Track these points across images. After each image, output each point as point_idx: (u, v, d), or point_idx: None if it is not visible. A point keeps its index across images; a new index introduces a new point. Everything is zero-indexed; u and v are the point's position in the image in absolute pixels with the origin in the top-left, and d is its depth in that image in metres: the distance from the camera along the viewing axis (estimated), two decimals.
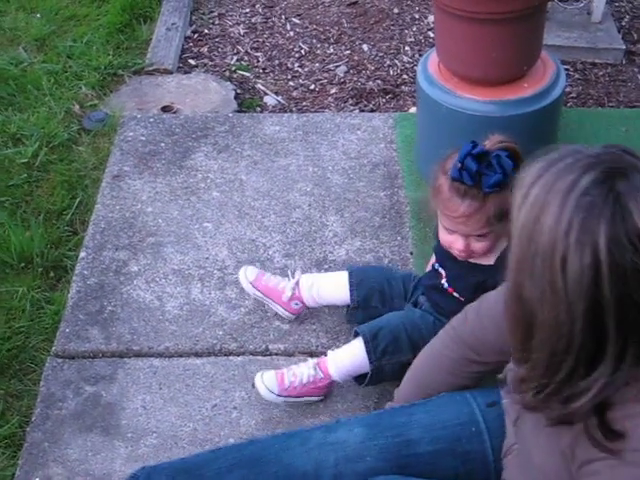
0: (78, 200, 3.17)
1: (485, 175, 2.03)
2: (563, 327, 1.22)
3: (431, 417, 1.91)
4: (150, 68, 3.87)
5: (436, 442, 1.86)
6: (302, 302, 2.58)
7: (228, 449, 1.95)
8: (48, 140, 3.44)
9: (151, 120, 3.49)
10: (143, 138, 3.39)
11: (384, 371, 2.32)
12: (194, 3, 4.42)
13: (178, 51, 4.04)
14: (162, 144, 3.36)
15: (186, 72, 3.94)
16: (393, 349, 2.30)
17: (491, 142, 2.10)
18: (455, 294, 2.29)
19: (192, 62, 4.01)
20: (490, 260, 2.20)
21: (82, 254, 2.92)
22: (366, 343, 2.31)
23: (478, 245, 2.15)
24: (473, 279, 2.22)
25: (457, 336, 2.03)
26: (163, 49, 3.99)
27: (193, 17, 4.35)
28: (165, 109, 3.63)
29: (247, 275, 2.61)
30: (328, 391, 2.43)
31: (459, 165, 2.05)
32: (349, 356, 2.35)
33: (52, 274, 2.93)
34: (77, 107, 3.63)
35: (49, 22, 4.23)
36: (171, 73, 3.88)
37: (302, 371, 2.37)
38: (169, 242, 2.95)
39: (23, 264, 2.94)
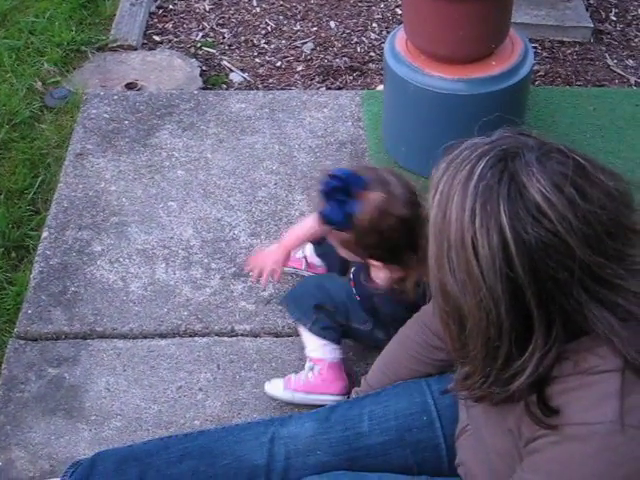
0: (40, 179, 3.11)
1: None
2: (490, 313, 1.23)
3: (383, 408, 1.91)
4: (114, 44, 3.81)
5: (386, 433, 1.86)
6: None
7: (179, 439, 1.94)
8: (9, 118, 3.37)
9: (115, 97, 3.44)
10: (107, 116, 3.34)
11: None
12: None
13: (142, 27, 3.97)
14: (126, 122, 3.31)
15: (151, 49, 3.88)
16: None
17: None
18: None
19: (157, 38, 3.95)
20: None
21: (44, 234, 2.87)
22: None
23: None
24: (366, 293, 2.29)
25: (422, 321, 2.04)
26: (127, 25, 3.92)
27: None
28: (129, 86, 3.57)
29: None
30: (343, 387, 2.37)
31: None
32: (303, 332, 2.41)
33: (14, 254, 2.88)
34: (39, 84, 3.56)
35: None
36: (135, 49, 3.82)
37: (304, 371, 2.40)
38: (133, 222, 2.91)
39: None
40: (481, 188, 1.21)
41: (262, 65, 3.81)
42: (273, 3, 4.22)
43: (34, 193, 3.07)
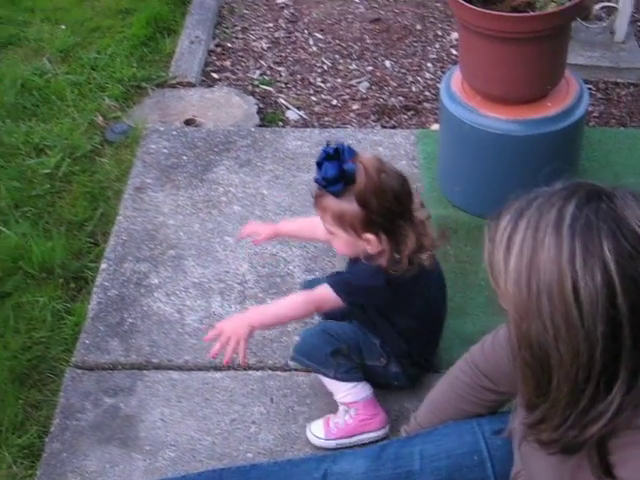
0: (100, 211, 3.18)
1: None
2: (582, 357, 1.20)
3: (434, 447, 1.91)
4: (173, 81, 3.89)
5: (437, 472, 1.86)
6: None
7: (232, 472, 1.96)
8: (71, 151, 3.46)
9: (174, 133, 3.51)
10: (165, 151, 3.41)
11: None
12: (218, 17, 4.45)
13: (201, 64, 4.05)
14: (184, 157, 3.38)
15: (209, 85, 3.96)
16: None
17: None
18: None
19: (215, 76, 4.02)
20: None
21: (103, 265, 2.94)
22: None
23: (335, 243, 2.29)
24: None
25: (473, 363, 2.02)
26: (186, 62, 4.01)
27: (217, 31, 4.37)
28: (188, 122, 3.64)
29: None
30: (382, 420, 2.40)
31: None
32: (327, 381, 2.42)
33: (73, 285, 2.94)
34: (100, 119, 3.65)
35: (74, 34, 4.27)
36: (194, 86, 3.90)
37: (340, 413, 2.41)
38: (190, 255, 2.96)
39: (44, 274, 2.95)
40: (578, 228, 1.19)
41: (318, 103, 3.86)
42: (329, 42, 4.28)
43: (94, 225, 3.14)
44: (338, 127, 3.68)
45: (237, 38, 4.33)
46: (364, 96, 3.90)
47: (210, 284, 2.85)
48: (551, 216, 1.22)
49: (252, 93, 3.90)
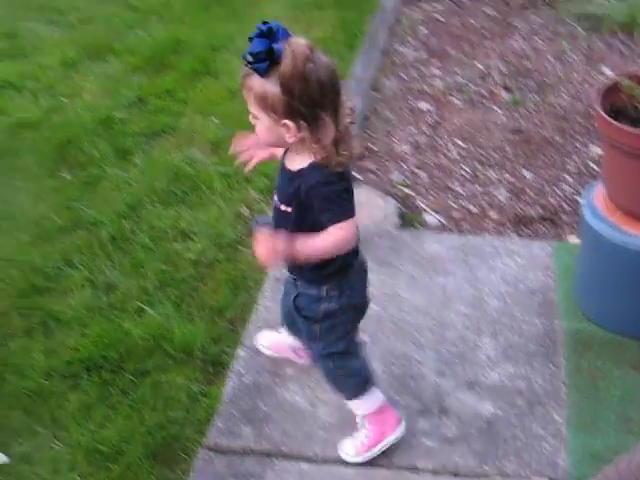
0: (240, 299, 3.30)
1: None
2: None
3: None
4: None
5: None
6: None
7: None
8: (216, 239, 3.62)
9: None
10: None
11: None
12: (363, 119, 4.58)
13: None
14: None
15: None
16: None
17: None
18: (282, 207, 2.33)
19: (358, 175, 4.13)
20: (297, 166, 2.24)
21: (240, 352, 3.03)
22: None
23: (257, 128, 2.21)
24: (290, 188, 2.26)
25: None
26: None
27: (361, 132, 4.49)
28: None
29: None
30: (397, 421, 2.67)
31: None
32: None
33: (210, 368, 3.04)
34: (245, 210, 3.80)
35: (224, 126, 4.46)
36: None
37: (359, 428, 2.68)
38: None
39: (184, 356, 3.07)
40: None
41: (456, 209, 3.92)
42: (470, 150, 4.36)
43: (234, 312, 3.25)
44: (476, 234, 3.72)
45: (380, 140, 4.46)
46: (502, 205, 3.95)
47: None
48: None
49: (393, 195, 4.00)
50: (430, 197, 4.01)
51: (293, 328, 2.73)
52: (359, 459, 2.64)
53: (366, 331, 3.07)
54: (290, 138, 2.16)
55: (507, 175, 4.17)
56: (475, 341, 3.05)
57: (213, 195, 3.91)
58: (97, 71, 5.26)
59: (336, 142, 2.16)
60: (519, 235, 3.75)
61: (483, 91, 4.93)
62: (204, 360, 3.06)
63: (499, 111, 4.72)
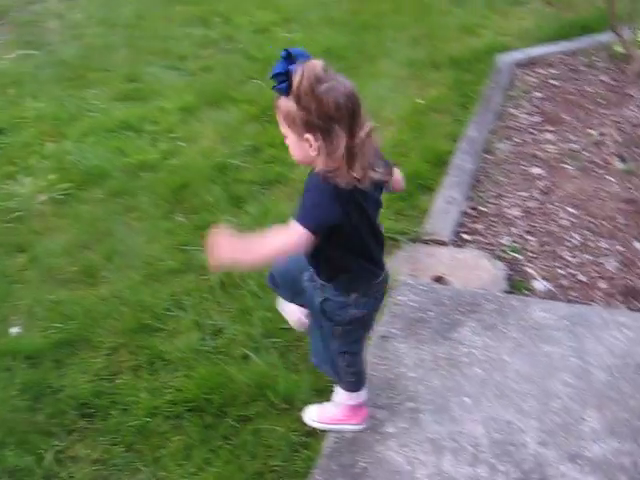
0: None
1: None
2: None
3: None
4: (426, 237, 4.05)
5: None
6: None
7: None
8: None
9: (422, 288, 3.63)
10: (413, 304, 3.53)
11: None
12: (474, 181, 4.60)
13: (454, 225, 4.20)
14: (430, 313, 3.48)
15: (459, 246, 4.08)
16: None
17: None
18: None
19: (466, 237, 4.15)
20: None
21: None
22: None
23: (290, 147, 2.40)
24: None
25: None
26: (440, 221, 4.17)
27: (472, 194, 4.52)
28: (437, 279, 3.76)
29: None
30: (358, 420, 2.97)
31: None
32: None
33: None
34: None
35: None
36: (445, 245, 4.03)
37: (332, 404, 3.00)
38: (427, 410, 3.02)
39: (286, 405, 3.11)
40: None
41: (565, 277, 3.89)
42: (581, 217, 4.33)
43: None
44: (584, 303, 3.68)
45: (491, 203, 4.46)
46: (612, 275, 3.90)
47: (443, 441, 2.90)
48: None
49: (501, 258, 3.99)
50: (539, 263, 3.99)
51: (298, 298, 2.89)
52: (315, 425, 3.01)
53: (469, 393, 3.07)
54: (313, 152, 2.32)
55: (618, 246, 4.12)
56: (580, 413, 3.00)
57: None
58: (214, 118, 5.40)
59: (350, 155, 2.29)
60: (629, 307, 3.69)
61: (596, 159, 4.89)
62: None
63: (612, 180, 4.68)
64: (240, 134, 5.16)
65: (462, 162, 4.69)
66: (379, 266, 2.61)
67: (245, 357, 3.33)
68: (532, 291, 3.79)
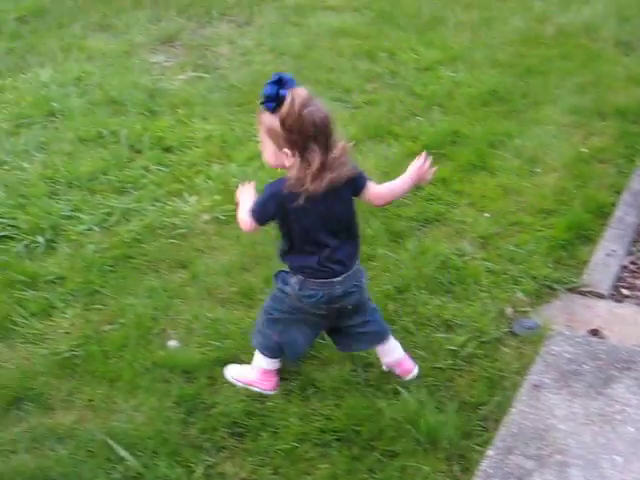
0: (496, 399, 3.32)
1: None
2: None
3: None
4: (584, 289, 4.00)
5: None
6: None
7: None
8: (478, 334, 3.67)
9: (578, 340, 3.59)
10: (568, 355, 3.49)
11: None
12: (636, 234, 4.52)
13: (614, 278, 4.14)
14: (585, 366, 3.44)
15: (617, 300, 4.02)
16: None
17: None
18: None
19: (625, 292, 4.08)
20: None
21: (490, 452, 3.04)
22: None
23: (264, 153, 3.01)
24: None
25: None
26: (599, 273, 4.12)
27: (633, 248, 4.44)
28: (593, 332, 3.72)
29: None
30: (269, 388, 3.41)
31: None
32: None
33: (456, 463, 3.07)
34: (510, 310, 3.84)
35: (496, 223, 4.54)
36: (603, 298, 3.98)
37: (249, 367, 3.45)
38: (576, 465, 2.98)
39: (429, 445, 3.12)
40: None
41: None
42: None
43: (488, 411, 3.28)
44: None
45: None
46: None
47: None
48: None
49: None
50: None
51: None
52: (233, 381, 3.45)
53: (621, 452, 3.02)
54: (288, 162, 2.89)
55: None
56: None
57: (479, 290, 3.97)
58: (376, 151, 5.47)
59: (323, 168, 2.84)
60: None
61: None
62: (450, 452, 3.09)
63: None
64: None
65: (625, 215, 4.62)
66: (338, 263, 3.17)
67: (395, 392, 3.37)
68: None
